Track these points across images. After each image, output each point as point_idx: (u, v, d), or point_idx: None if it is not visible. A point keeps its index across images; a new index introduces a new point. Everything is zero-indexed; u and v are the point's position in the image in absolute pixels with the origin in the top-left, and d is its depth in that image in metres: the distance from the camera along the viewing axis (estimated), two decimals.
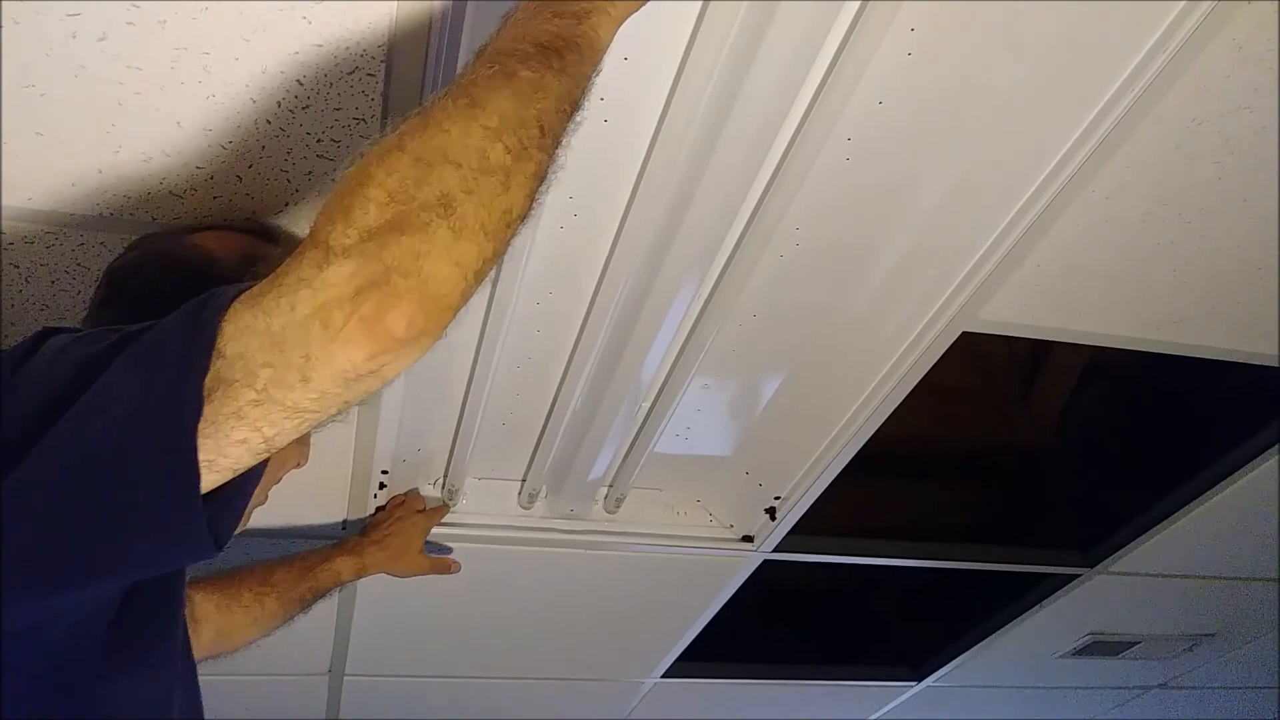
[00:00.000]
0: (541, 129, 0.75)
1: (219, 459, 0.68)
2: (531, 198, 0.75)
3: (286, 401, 0.67)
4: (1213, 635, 2.69)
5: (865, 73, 1.15)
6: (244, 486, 0.74)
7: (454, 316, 0.70)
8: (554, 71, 0.78)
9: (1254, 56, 1.12)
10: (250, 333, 0.67)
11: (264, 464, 0.75)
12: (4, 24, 0.94)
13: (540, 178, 0.76)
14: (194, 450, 0.66)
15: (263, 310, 0.67)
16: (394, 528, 1.76)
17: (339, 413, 0.70)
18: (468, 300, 0.71)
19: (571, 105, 0.79)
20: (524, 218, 0.74)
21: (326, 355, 0.65)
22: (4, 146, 1.07)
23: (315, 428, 0.71)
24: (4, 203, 1.13)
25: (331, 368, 0.66)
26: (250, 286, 0.70)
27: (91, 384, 0.68)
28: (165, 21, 0.97)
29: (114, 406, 0.68)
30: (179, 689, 0.94)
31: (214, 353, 0.67)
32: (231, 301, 0.69)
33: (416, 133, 0.72)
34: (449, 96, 0.74)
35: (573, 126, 0.80)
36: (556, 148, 0.77)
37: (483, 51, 0.80)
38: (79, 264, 1.24)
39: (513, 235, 0.74)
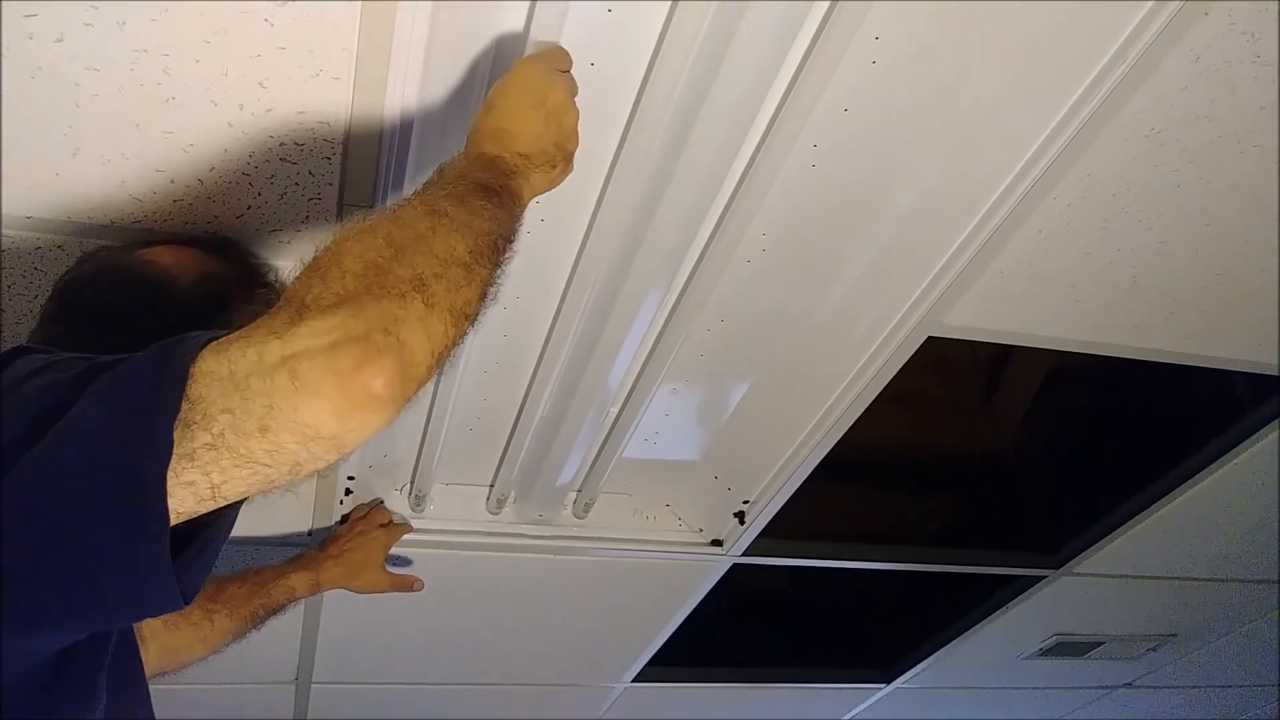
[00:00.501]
0: (494, 245, 0.81)
1: None
2: (483, 301, 0.78)
3: (240, 449, 0.65)
4: (1174, 636, 2.72)
5: (831, 80, 1.15)
6: (213, 541, 0.72)
7: (415, 395, 0.71)
8: (496, 205, 0.85)
9: (1211, 68, 1.14)
10: (213, 378, 0.66)
11: (232, 518, 0.73)
12: None
13: (489, 286, 0.80)
14: (163, 495, 0.64)
15: (228, 358, 0.67)
16: (353, 543, 1.72)
17: (289, 477, 0.68)
18: (424, 385, 0.72)
19: (505, 239, 0.85)
20: (474, 320, 0.77)
21: (290, 406, 0.64)
22: None
23: (264, 489, 0.69)
24: None
25: (294, 420, 0.65)
26: (221, 334, 0.70)
27: (55, 417, 0.66)
28: (124, 23, 0.95)
29: (80, 446, 0.66)
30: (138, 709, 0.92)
31: (184, 396, 0.66)
32: (201, 348, 0.68)
33: (388, 223, 0.76)
34: (412, 203, 0.81)
35: (506, 262, 0.85)
36: (497, 270, 0.82)
37: (430, 182, 0.87)
38: (36, 268, 1.22)
39: (465, 333, 0.76)
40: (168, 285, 1.04)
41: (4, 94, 1.01)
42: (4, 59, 0.97)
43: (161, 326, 0.74)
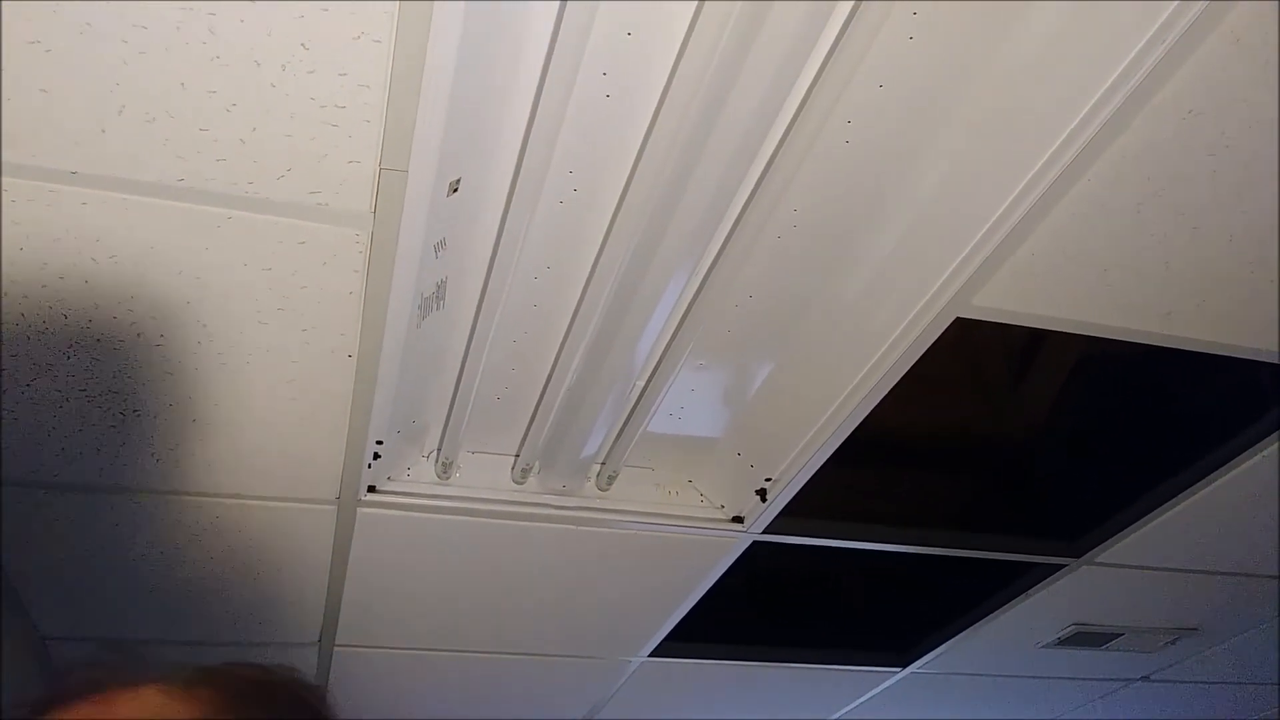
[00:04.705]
0: None
1: None
2: None
3: None
4: (1195, 630, 2.71)
5: (866, 55, 1.16)
6: None
7: None
8: None
9: (1252, 50, 1.13)
10: None
11: None
12: None
13: None
14: None
15: None
16: None
17: None
18: None
19: None
20: None
21: None
22: (8, 103, 1.08)
23: None
24: (5, 158, 1.14)
25: None
26: None
27: None
28: None
29: None
30: None
31: None
32: None
33: None
34: None
35: None
36: None
37: None
38: (79, 225, 1.24)
39: None
40: None
41: (53, 49, 1.03)
42: (54, 14, 0.99)
43: None
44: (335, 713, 0.83)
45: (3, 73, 1.04)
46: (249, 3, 0.99)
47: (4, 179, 1.17)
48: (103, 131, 1.12)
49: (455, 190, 1.28)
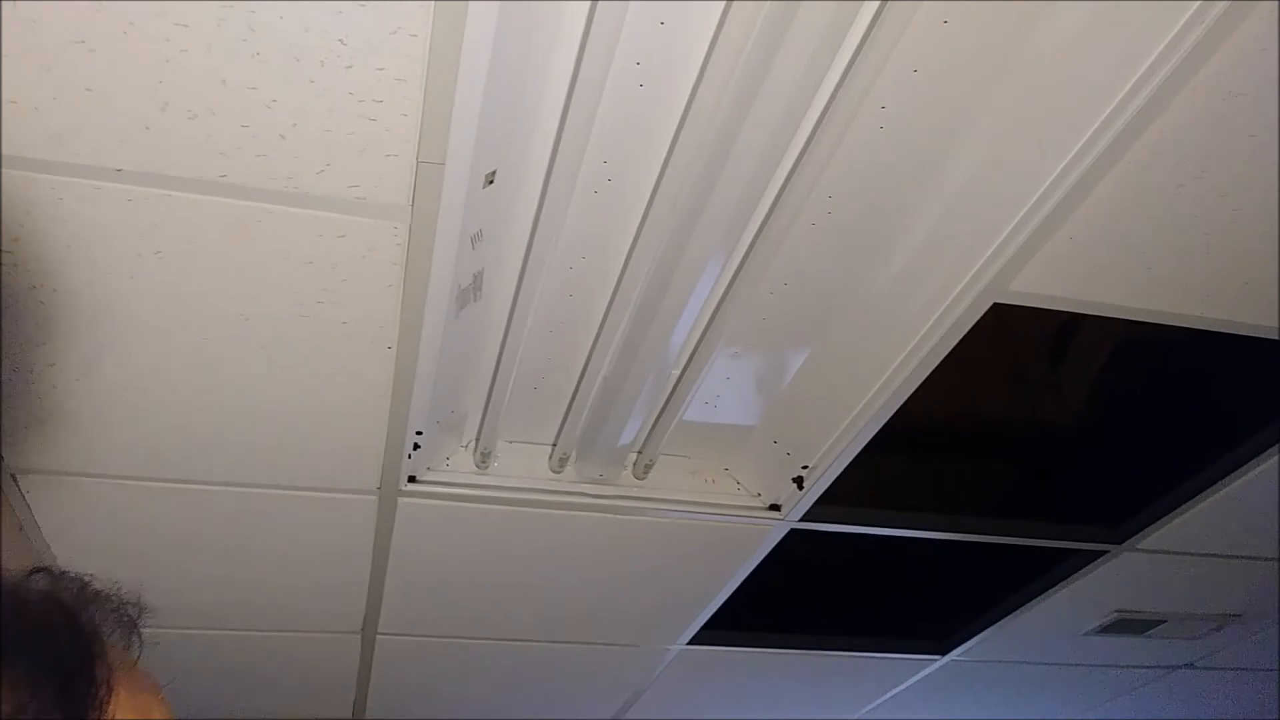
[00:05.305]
0: None
1: None
2: None
3: None
4: (1239, 616, 2.68)
5: (901, 39, 1.15)
6: None
7: None
8: None
9: None
10: None
11: None
12: None
13: None
14: None
15: None
16: None
17: None
18: None
19: None
20: None
21: None
22: (53, 100, 1.10)
23: None
24: (52, 156, 1.17)
25: None
26: None
27: None
28: None
29: None
30: None
31: None
32: None
33: None
34: None
35: None
36: None
37: None
38: (124, 222, 1.27)
39: None
40: None
41: (97, 48, 1.05)
42: (98, 14, 1.01)
43: None
44: (99, 628, 0.82)
45: (49, 72, 1.07)
46: (288, 1, 1.01)
47: (51, 177, 1.20)
48: (146, 129, 1.14)
49: (491, 182, 1.29)
